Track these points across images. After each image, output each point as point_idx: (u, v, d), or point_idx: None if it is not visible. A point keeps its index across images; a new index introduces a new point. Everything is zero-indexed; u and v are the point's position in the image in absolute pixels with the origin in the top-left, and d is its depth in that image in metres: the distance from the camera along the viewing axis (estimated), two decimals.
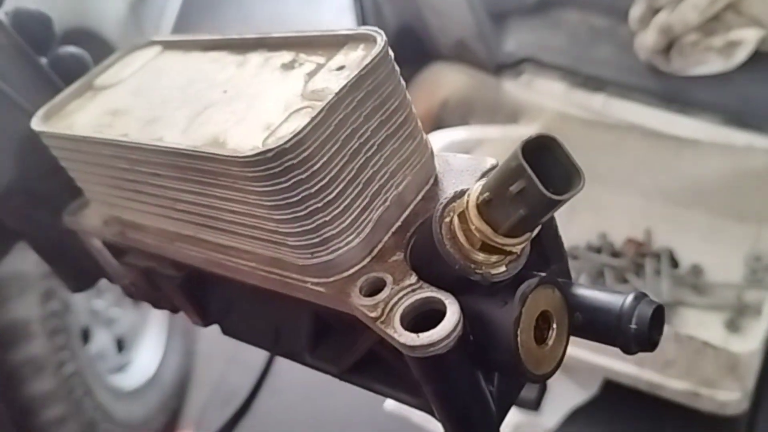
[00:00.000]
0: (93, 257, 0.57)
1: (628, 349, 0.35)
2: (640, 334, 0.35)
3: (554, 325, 0.36)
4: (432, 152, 0.40)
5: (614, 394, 0.83)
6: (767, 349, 0.84)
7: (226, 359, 1.46)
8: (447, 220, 0.34)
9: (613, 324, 0.35)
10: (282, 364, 0.91)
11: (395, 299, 0.34)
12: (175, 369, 1.54)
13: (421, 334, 0.32)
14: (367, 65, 0.36)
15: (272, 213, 0.35)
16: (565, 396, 0.81)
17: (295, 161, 0.34)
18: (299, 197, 0.34)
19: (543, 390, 0.82)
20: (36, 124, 0.48)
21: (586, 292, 0.36)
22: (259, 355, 0.99)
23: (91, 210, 0.54)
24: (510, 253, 0.33)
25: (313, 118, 0.33)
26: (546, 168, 0.29)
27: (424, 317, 0.33)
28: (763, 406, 0.92)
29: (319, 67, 0.39)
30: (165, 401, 1.43)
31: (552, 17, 1.18)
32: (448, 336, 0.32)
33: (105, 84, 0.51)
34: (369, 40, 0.39)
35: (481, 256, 0.33)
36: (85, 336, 1.41)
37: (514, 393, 0.39)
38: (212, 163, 0.36)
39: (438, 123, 1.18)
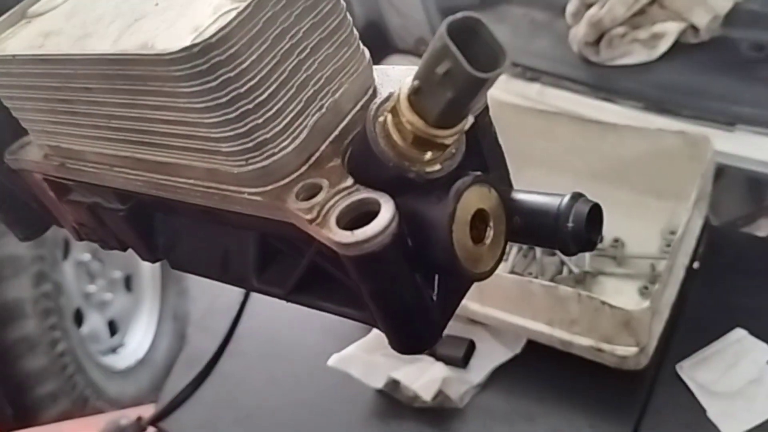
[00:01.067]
0: (38, 200, 0.56)
1: (567, 249, 0.35)
2: (578, 232, 0.35)
3: (491, 224, 0.35)
4: (370, 62, 0.39)
5: (535, 353, 0.91)
6: (674, 312, 0.96)
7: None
8: (381, 119, 0.33)
9: (551, 225, 0.35)
10: (245, 329, 1.00)
11: (331, 202, 0.34)
12: (166, 350, 1.65)
13: (355, 231, 0.32)
14: None
15: (203, 117, 0.35)
16: (491, 355, 0.91)
17: (222, 57, 0.33)
18: (229, 97, 0.34)
19: (471, 349, 0.92)
20: None
21: (523, 195, 0.36)
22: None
23: (32, 146, 0.53)
24: (443, 146, 0.33)
25: (239, 13, 0.33)
26: (471, 50, 0.29)
27: (360, 218, 0.33)
28: (666, 364, 0.96)
29: None
30: (155, 380, 1.52)
31: (498, 12, 1.27)
32: (382, 231, 0.32)
33: (38, 11, 0.50)
34: None
35: (414, 152, 0.33)
36: (79, 318, 1.51)
37: (455, 299, 0.38)
38: (139, 66, 0.35)
39: None
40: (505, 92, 1.17)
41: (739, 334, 1.00)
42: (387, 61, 1.44)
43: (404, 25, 1.31)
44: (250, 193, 0.37)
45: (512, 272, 0.95)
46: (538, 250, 1.08)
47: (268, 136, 0.35)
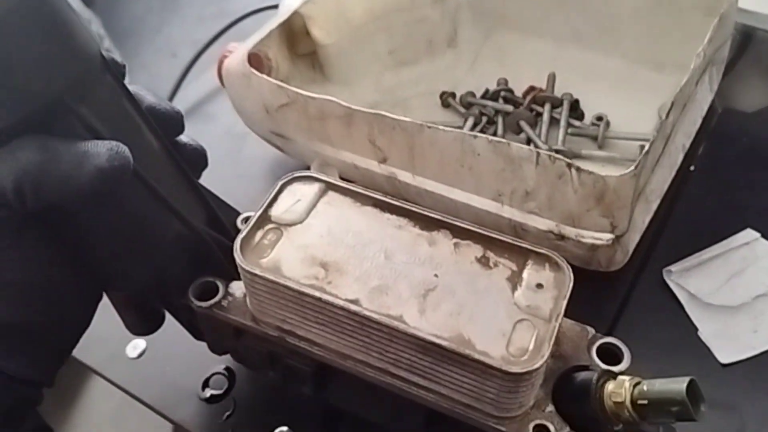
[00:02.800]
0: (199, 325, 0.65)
1: None
2: None
3: None
4: None
5: None
6: (667, 206, 0.81)
7: None
8: (597, 395, 0.52)
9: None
10: None
11: None
12: None
13: None
14: (568, 294, 0.53)
15: (500, 396, 0.51)
16: None
17: (536, 375, 0.51)
18: (524, 393, 0.52)
19: None
20: (243, 262, 0.55)
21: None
22: None
23: (232, 302, 0.61)
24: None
25: (551, 345, 0.50)
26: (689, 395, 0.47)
27: None
28: (651, 267, 0.82)
29: (515, 275, 0.55)
30: None
31: None
32: None
33: (285, 219, 0.58)
34: (551, 261, 0.55)
35: (619, 425, 0.53)
36: None
37: None
38: (466, 360, 0.50)
39: None
40: None
41: (750, 235, 0.81)
42: None
43: None
44: (494, 423, 0.53)
45: None
46: (500, 125, 0.82)
47: (528, 401, 0.54)
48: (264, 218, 0.58)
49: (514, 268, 0.55)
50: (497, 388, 0.52)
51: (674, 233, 0.82)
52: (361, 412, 0.64)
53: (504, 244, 0.56)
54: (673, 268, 0.77)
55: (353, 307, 0.52)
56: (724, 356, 0.71)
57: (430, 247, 0.56)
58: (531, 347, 0.51)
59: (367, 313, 0.52)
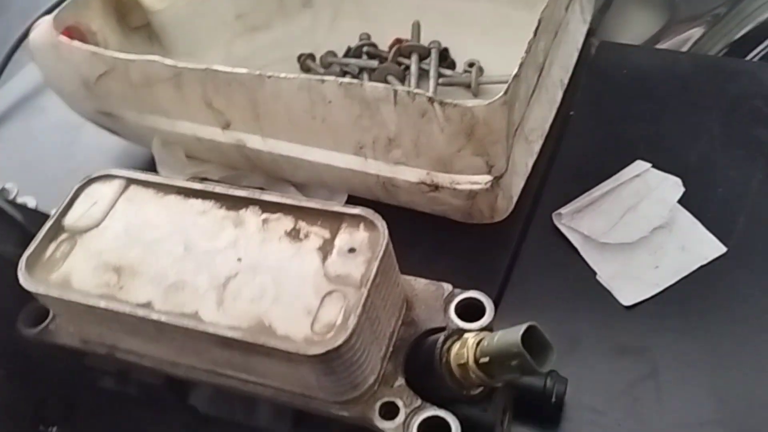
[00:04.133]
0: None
1: (540, 411, 0.57)
2: (559, 404, 0.56)
3: (508, 410, 0.54)
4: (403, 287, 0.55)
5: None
6: (549, 148, 0.75)
7: None
8: (444, 360, 0.49)
9: (538, 397, 0.55)
10: None
11: (409, 419, 0.49)
12: None
13: None
14: (381, 254, 0.48)
15: (319, 380, 0.48)
16: None
17: (348, 351, 0.46)
18: (345, 373, 0.47)
19: None
20: (26, 282, 0.51)
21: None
22: None
23: (60, 326, 0.58)
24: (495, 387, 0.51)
25: (359, 315, 0.45)
26: (529, 343, 0.42)
27: (431, 429, 0.49)
28: (539, 214, 0.75)
29: (327, 243, 0.50)
30: None
31: None
32: None
33: (79, 226, 0.54)
34: (366, 221, 0.50)
35: (473, 386, 0.49)
36: None
37: None
38: (268, 349, 0.46)
39: None
40: None
41: (641, 167, 0.77)
42: None
43: None
44: (336, 408, 0.50)
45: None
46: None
47: (360, 380, 0.49)
48: (56, 229, 0.54)
49: (327, 235, 0.50)
50: (312, 372, 0.48)
51: (561, 175, 0.76)
52: (231, 417, 0.61)
53: (316, 211, 0.52)
54: (563, 210, 0.70)
55: (141, 312, 0.48)
56: (627, 298, 0.65)
57: (236, 228, 0.52)
58: (338, 321, 0.46)
59: (156, 316, 0.48)
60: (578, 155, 0.80)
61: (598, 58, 0.89)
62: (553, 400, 0.57)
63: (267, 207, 0.53)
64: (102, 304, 0.49)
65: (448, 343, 0.51)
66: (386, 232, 0.50)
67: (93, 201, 0.55)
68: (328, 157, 0.69)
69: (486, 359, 0.46)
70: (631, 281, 0.68)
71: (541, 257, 0.72)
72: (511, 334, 0.44)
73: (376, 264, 0.48)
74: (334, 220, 0.51)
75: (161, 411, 0.65)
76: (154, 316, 0.48)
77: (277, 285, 0.49)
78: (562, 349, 0.56)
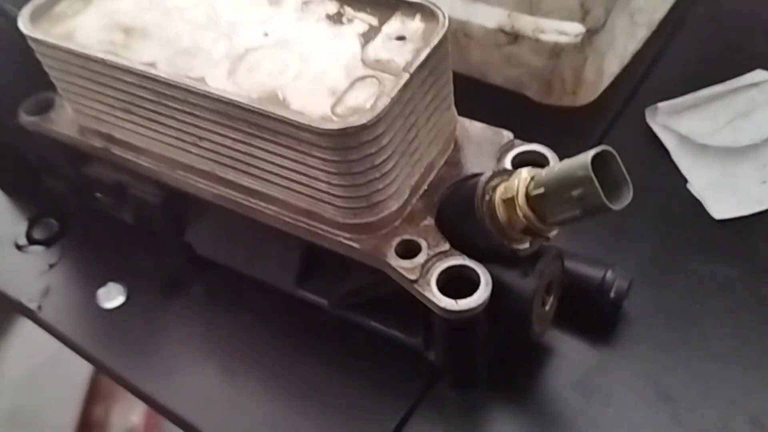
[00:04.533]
0: (43, 161, 0.58)
1: (600, 312, 0.47)
2: (617, 301, 0.46)
3: (554, 291, 0.44)
4: (456, 118, 0.46)
5: None
6: (654, 42, 0.67)
7: None
8: (487, 198, 0.39)
9: (595, 291, 0.45)
10: None
11: (430, 263, 0.41)
12: None
13: (459, 301, 0.39)
14: (436, 44, 0.40)
15: (331, 178, 0.40)
16: None
17: (369, 138, 0.38)
18: (364, 169, 0.39)
19: None
20: (25, 27, 0.47)
21: (571, 261, 0.45)
22: None
23: (61, 114, 0.52)
24: (546, 238, 0.40)
25: (392, 99, 0.38)
26: (600, 175, 0.35)
27: (456, 282, 0.40)
28: (632, 105, 0.64)
29: (373, 30, 0.42)
30: None
31: None
32: (481, 304, 0.39)
33: None
34: (425, 11, 0.42)
35: (518, 236, 0.40)
36: None
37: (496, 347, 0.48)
38: (276, 123, 0.39)
39: None
40: None
41: (761, 75, 0.65)
42: None
43: None
44: (346, 238, 0.42)
45: None
46: None
47: (383, 198, 0.41)
48: None
49: (374, 22, 0.44)
50: (323, 164, 0.41)
51: (665, 73, 0.68)
52: (231, 263, 0.55)
53: None
54: (661, 105, 0.60)
55: (141, 68, 0.43)
56: (720, 210, 0.55)
57: (271, 6, 0.47)
58: (367, 105, 0.39)
59: (156, 73, 0.43)
60: (689, 57, 0.70)
61: None
62: (612, 295, 0.47)
63: None
64: (99, 56, 0.44)
65: (497, 180, 0.41)
66: (447, 23, 0.42)
67: None
68: None
69: (540, 190, 0.37)
70: (728, 193, 0.58)
71: (625, 156, 0.62)
72: (578, 159, 0.36)
73: (426, 52, 0.40)
74: (386, 8, 0.44)
75: (155, 249, 0.59)
76: (153, 72, 0.42)
77: (303, 62, 0.42)
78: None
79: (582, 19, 0.54)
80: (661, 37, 0.70)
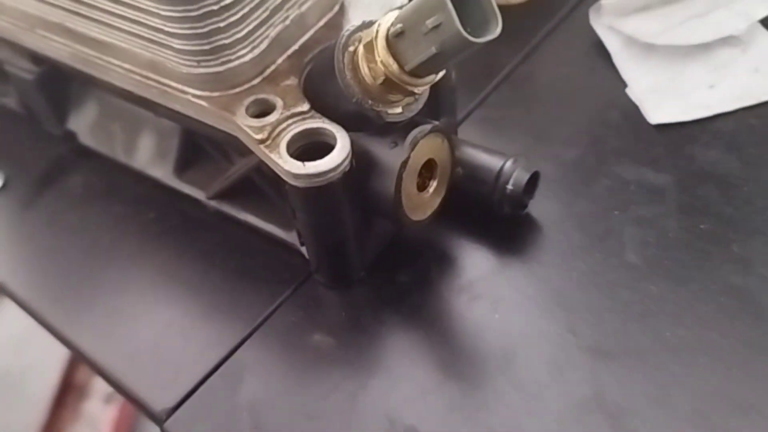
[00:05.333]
0: None
1: (501, 209, 0.40)
2: (515, 195, 0.39)
3: (437, 175, 0.38)
4: None
5: None
6: None
7: None
8: (351, 49, 0.35)
9: (491, 183, 0.39)
10: None
11: (284, 124, 0.35)
12: None
13: (307, 163, 0.34)
14: None
15: (161, 7, 0.34)
16: None
17: None
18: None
19: None
20: None
21: (469, 149, 0.39)
22: None
23: None
24: (410, 93, 0.35)
25: None
26: (465, 9, 0.30)
27: (311, 147, 0.35)
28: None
29: None
30: None
31: None
32: (334, 168, 0.34)
33: None
34: None
35: (381, 93, 0.34)
36: None
37: (381, 240, 0.41)
38: None
39: None
40: None
41: None
42: None
43: None
44: (195, 96, 0.37)
45: None
46: None
47: (227, 41, 0.35)
48: None
49: None
50: None
51: None
52: (107, 149, 0.51)
53: None
54: (605, 2, 0.53)
55: None
56: (658, 115, 0.49)
57: None
58: None
59: None
60: None
61: None
62: (510, 187, 0.40)
63: None
64: None
65: (365, 31, 0.36)
66: None
67: None
68: None
69: (398, 27, 0.32)
70: (672, 98, 0.52)
71: (565, 58, 0.56)
72: None
73: None
74: None
75: (39, 138, 0.55)
76: None
77: None
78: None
79: None
80: None
